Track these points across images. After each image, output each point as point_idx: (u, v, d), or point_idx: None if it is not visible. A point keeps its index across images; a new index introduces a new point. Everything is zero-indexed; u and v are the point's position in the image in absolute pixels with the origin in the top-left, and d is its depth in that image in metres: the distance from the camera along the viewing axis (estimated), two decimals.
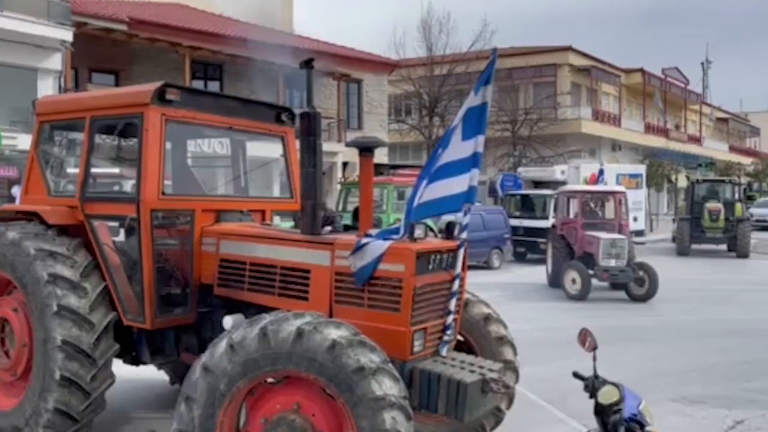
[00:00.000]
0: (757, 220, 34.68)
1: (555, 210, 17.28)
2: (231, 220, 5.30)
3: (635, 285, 13.33)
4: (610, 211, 15.50)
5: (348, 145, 4.78)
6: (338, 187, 19.23)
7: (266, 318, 3.84)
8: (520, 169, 28.27)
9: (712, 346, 9.47)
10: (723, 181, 25.74)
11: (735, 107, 62.45)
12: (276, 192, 7.17)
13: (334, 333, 3.69)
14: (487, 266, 18.60)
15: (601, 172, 24.48)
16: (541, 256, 19.71)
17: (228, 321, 4.66)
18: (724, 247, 22.77)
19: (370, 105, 25.90)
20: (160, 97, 4.89)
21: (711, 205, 22.77)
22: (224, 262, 4.97)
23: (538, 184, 26.26)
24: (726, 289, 13.28)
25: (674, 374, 7.80)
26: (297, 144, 5.29)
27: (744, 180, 41.39)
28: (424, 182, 4.44)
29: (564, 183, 22.91)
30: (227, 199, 5.87)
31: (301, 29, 35.38)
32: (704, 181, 25.83)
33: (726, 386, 7.30)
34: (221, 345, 3.81)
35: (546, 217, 20.53)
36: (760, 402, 6.57)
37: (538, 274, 16.41)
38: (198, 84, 21.30)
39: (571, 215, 15.22)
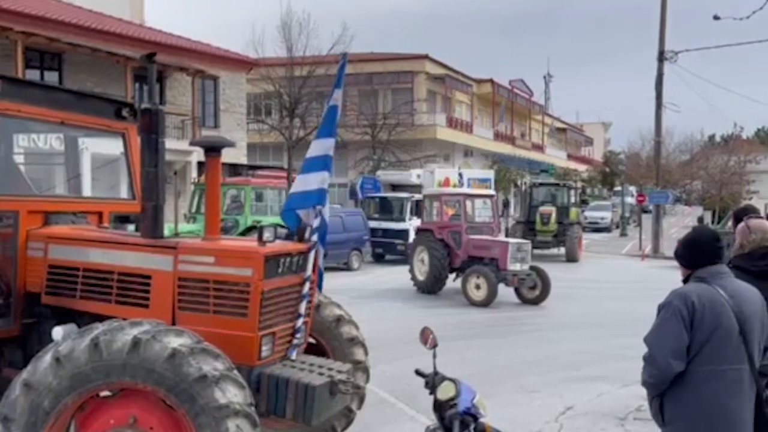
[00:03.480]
0: (590, 222, 38.27)
1: (420, 213, 16.98)
2: (62, 223, 4.89)
3: (528, 288, 13.45)
4: (479, 213, 15.52)
5: (193, 144, 4.60)
6: (192, 188, 18.45)
7: (99, 327, 3.59)
8: (379, 173, 28.91)
9: (547, 339, 10.27)
10: (559, 185, 25.93)
11: (572, 119, 68.36)
12: (124, 193, 6.73)
13: (175, 341, 3.53)
14: (346, 267, 18.81)
15: (461, 176, 25.78)
16: (398, 257, 20.33)
17: (58, 332, 4.29)
18: (562, 250, 22.55)
19: (228, 103, 25.16)
20: None
21: (543, 208, 23.06)
22: (54, 268, 4.57)
23: (395, 187, 27.04)
24: (561, 286, 14.40)
25: (514, 366, 8.35)
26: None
27: (579, 185, 45.42)
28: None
29: (420, 186, 23.80)
30: (59, 199, 5.40)
31: (154, 22, 33.58)
32: (541, 184, 25.97)
33: (559, 375, 7.93)
34: (45, 359, 3.50)
35: (404, 219, 21.18)
36: (586, 389, 7.18)
37: (397, 274, 16.74)
38: (33, 74, 19.42)
39: (442, 218, 14.98)
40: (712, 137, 67.46)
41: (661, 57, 25.83)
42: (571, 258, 22.06)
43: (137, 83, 20.73)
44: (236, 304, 4.07)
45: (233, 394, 3.48)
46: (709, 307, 3.05)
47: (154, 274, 4.24)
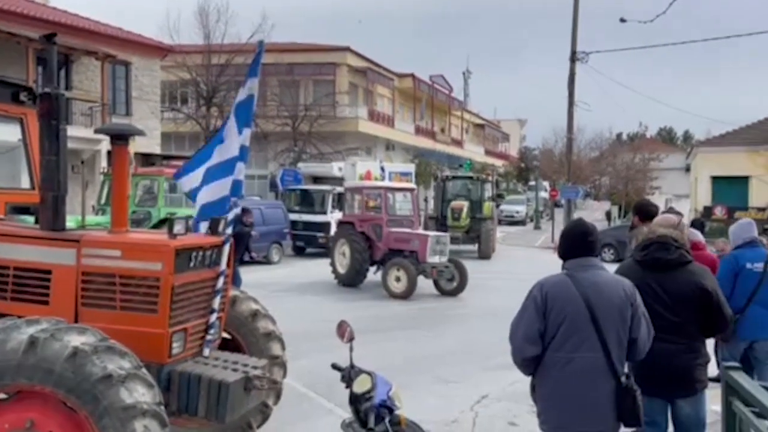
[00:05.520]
0: (506, 216, 39.47)
1: (342, 206, 16.88)
2: None
3: (446, 280, 13.59)
4: (399, 206, 15.58)
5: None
6: (101, 178, 17.59)
7: None
8: (300, 165, 28.60)
9: (465, 330, 10.52)
10: (473, 178, 24.89)
11: (490, 115, 70.12)
12: (26, 183, 6.30)
13: (77, 340, 3.34)
14: (266, 261, 18.51)
15: (382, 169, 25.83)
16: (319, 250, 20.20)
17: None
18: (473, 247, 21.74)
19: (141, 90, 24.10)
20: None
21: (454, 203, 22.13)
22: None
23: (317, 179, 26.84)
24: (478, 277, 14.76)
25: (432, 357, 8.49)
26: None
27: (495, 179, 46.73)
28: (204, 183, 4.43)
29: (341, 179, 23.72)
30: None
31: (60, 2, 31.69)
32: (455, 178, 24.91)
33: (475, 365, 8.14)
34: None
35: (325, 212, 21.06)
36: (501, 377, 7.37)
37: (318, 268, 16.63)
38: None
39: (363, 211, 14.95)
40: (619, 135, 71.20)
41: (573, 57, 26.90)
42: (484, 255, 21.37)
43: (40, 66, 19.51)
44: (145, 299, 3.91)
45: (140, 394, 3.34)
46: (560, 296, 3.23)
47: (54, 269, 4.01)
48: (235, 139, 4.59)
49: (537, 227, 37.19)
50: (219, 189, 4.60)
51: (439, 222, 21.66)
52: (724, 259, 5.76)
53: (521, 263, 20.62)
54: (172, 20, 39.58)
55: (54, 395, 3.33)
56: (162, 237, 4.04)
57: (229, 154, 4.59)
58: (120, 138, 4.08)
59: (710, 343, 4.66)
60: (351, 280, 14.30)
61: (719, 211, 27.07)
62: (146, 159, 17.90)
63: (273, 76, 31.87)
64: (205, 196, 4.68)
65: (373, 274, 14.30)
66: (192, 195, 4.77)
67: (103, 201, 15.96)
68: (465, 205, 21.92)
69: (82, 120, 20.62)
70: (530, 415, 6.17)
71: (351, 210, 15.35)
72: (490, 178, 27.41)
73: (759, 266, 5.48)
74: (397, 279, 13.16)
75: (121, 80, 23.39)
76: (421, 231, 14.70)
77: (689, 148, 42.01)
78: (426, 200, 25.51)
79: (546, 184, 45.94)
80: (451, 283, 13.65)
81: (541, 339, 3.24)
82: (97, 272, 3.94)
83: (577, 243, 3.38)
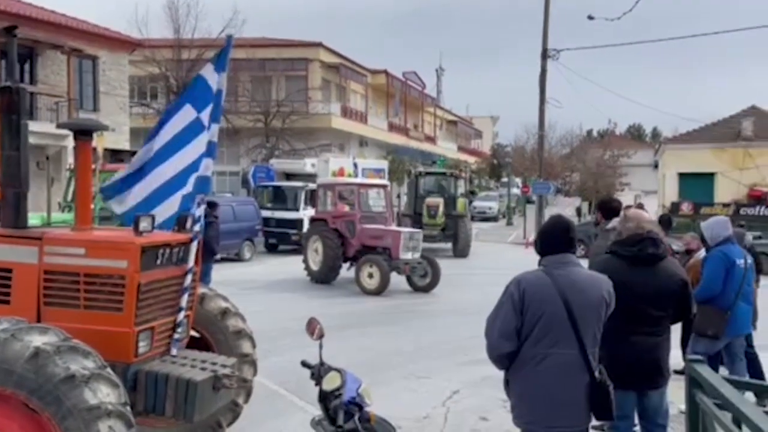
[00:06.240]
0: (479, 212, 39.75)
1: (315, 202, 16.74)
2: None
3: (419, 276, 13.59)
4: (373, 203, 15.50)
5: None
6: (67, 174, 17.22)
7: None
8: (272, 161, 28.40)
9: (437, 325, 10.55)
10: (446, 174, 24.35)
11: (463, 112, 70.44)
12: None
13: (38, 340, 3.26)
14: (238, 258, 18.35)
15: (355, 165, 25.74)
16: (292, 247, 20.08)
17: None
18: (447, 245, 21.20)
19: (109, 85, 23.64)
20: None
21: (430, 200, 21.51)
22: None
23: (289, 176, 26.68)
24: (450, 273, 14.83)
25: (404, 353, 8.50)
26: None
27: (468, 175, 47.00)
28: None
29: (314, 176, 23.61)
30: None
31: None
32: (428, 173, 24.43)
33: (447, 360, 8.16)
34: None
35: (298, 209, 20.94)
36: (472, 372, 7.41)
37: (291, 265, 16.52)
38: None
39: (336, 207, 14.81)
40: (590, 132, 72.17)
41: (545, 54, 27.16)
42: (461, 254, 20.79)
43: (3, 60, 19.02)
44: (110, 298, 3.84)
45: (105, 394, 3.27)
46: (538, 293, 3.23)
47: (15, 268, 3.91)
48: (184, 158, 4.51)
49: (509, 223, 37.54)
50: (172, 205, 4.51)
51: (414, 219, 20.87)
52: (713, 256, 5.65)
53: (494, 259, 20.78)
54: (140, 14, 38.92)
55: (15, 397, 3.25)
56: (127, 234, 3.96)
57: (182, 165, 4.49)
58: (83, 133, 3.99)
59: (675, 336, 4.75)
60: (324, 277, 14.24)
61: (686, 207, 27.63)
62: (115, 155, 17.58)
63: (245, 71, 31.56)
64: (165, 209, 4.54)
65: (346, 271, 14.27)
66: (126, 218, 4.54)
67: (69, 198, 15.63)
68: (441, 202, 21.39)
69: (48, 115, 20.15)
70: (502, 409, 6.23)
71: (324, 207, 15.27)
72: (463, 174, 27.30)
73: (742, 263, 5.60)
74: (370, 275, 13.12)
75: (89, 75, 22.90)
76: (394, 227, 14.69)
77: (657, 145, 42.75)
78: (399, 196, 25.44)
79: (518, 180, 46.38)
80: (424, 279, 13.69)
81: (517, 335, 3.24)
82: (59, 270, 3.85)
83: (556, 239, 3.38)
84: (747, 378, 5.78)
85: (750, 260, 5.82)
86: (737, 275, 5.52)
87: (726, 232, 5.71)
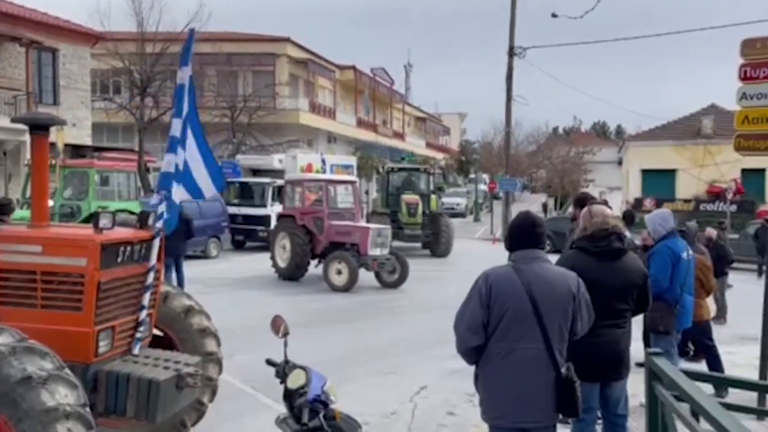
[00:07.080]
0: (447, 208, 39.96)
1: (282, 199, 16.56)
2: None
3: (387, 273, 13.57)
4: (341, 199, 15.42)
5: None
6: (26, 170, 16.76)
7: None
8: (239, 157, 28.05)
9: (405, 321, 10.58)
10: (418, 170, 23.24)
11: (431, 108, 70.69)
12: None
13: None
14: (204, 255, 18.11)
15: (324, 161, 25.59)
16: (259, 244, 19.88)
17: None
18: (418, 244, 20.03)
19: (69, 79, 23.03)
20: None
21: (408, 197, 20.16)
22: None
23: (257, 172, 26.39)
24: (418, 269, 14.87)
25: (372, 350, 8.49)
26: None
27: (439, 171, 47.23)
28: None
29: (282, 172, 23.40)
30: None
31: None
32: (400, 169, 23.00)
33: (415, 356, 8.19)
34: None
35: (265, 205, 20.74)
36: (439, 367, 7.46)
37: (258, 262, 16.37)
38: None
39: (304, 204, 14.74)
40: (555, 129, 73.13)
41: (511, 52, 27.40)
42: (444, 253, 19.75)
43: None
44: (69, 297, 3.75)
45: (63, 395, 3.19)
46: (504, 288, 3.26)
47: None
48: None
49: (477, 219, 37.83)
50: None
51: (392, 218, 19.17)
52: (659, 251, 5.66)
53: (462, 255, 20.88)
54: (102, 6, 37.88)
55: None
56: (87, 231, 3.86)
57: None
58: (39, 128, 3.87)
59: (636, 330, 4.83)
60: (292, 274, 14.15)
61: (648, 203, 28.23)
62: (76, 150, 17.16)
63: (211, 65, 31.10)
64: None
65: (314, 268, 14.20)
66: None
67: (28, 194, 15.22)
68: (418, 199, 20.20)
69: (6, 109, 19.56)
70: (468, 404, 6.27)
71: (291, 203, 15.17)
72: (434, 169, 27.19)
73: (686, 255, 5.72)
74: (339, 272, 13.09)
75: (48, 68, 22.29)
76: (362, 224, 14.66)
77: (621, 142, 43.57)
78: (367, 192, 25.31)
79: (486, 176, 46.74)
80: (393, 276, 13.71)
81: (484, 329, 3.26)
82: (15, 269, 3.74)
83: (524, 235, 3.40)
84: (705, 371, 5.93)
85: (692, 253, 5.94)
86: (682, 268, 5.63)
87: (669, 225, 5.73)
